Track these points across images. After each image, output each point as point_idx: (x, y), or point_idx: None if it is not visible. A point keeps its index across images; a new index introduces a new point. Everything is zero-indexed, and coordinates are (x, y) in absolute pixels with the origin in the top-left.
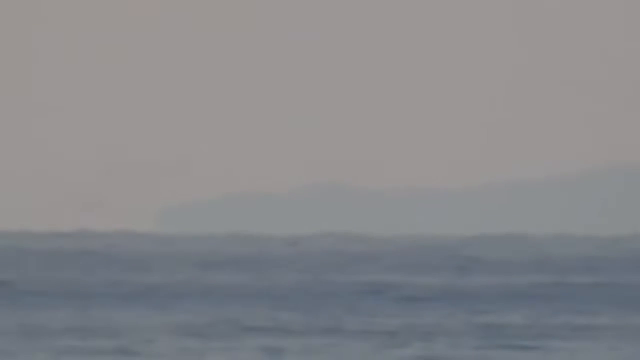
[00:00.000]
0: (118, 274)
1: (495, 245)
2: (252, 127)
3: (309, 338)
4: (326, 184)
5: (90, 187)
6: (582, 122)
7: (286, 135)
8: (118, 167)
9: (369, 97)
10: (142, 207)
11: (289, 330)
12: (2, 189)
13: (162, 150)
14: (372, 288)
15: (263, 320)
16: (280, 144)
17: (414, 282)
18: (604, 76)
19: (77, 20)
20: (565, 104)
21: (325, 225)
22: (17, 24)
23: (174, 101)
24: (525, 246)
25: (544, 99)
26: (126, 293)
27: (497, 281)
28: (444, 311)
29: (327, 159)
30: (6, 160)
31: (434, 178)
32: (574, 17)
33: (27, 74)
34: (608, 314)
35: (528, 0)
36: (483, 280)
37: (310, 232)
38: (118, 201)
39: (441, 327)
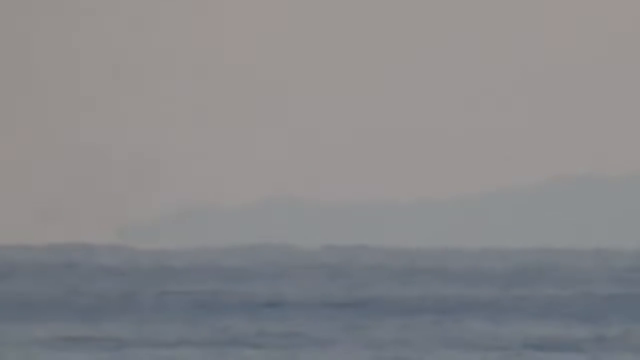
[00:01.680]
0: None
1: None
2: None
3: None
4: (280, 198)
5: (52, 196)
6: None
7: (248, 146)
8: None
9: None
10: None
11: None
12: None
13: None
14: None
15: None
16: (240, 155)
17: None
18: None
19: None
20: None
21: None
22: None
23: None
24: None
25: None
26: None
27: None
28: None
29: (284, 172)
30: None
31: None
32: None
33: None
34: None
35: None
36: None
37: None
38: (79, 213)
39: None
